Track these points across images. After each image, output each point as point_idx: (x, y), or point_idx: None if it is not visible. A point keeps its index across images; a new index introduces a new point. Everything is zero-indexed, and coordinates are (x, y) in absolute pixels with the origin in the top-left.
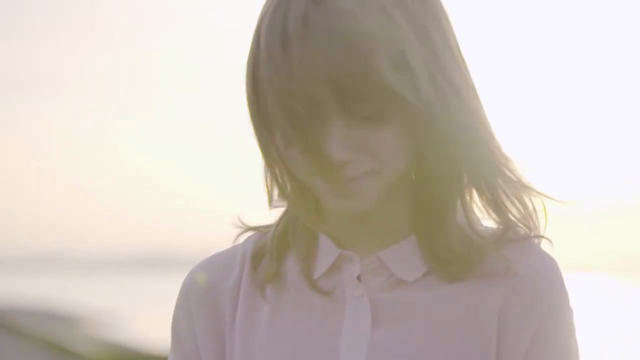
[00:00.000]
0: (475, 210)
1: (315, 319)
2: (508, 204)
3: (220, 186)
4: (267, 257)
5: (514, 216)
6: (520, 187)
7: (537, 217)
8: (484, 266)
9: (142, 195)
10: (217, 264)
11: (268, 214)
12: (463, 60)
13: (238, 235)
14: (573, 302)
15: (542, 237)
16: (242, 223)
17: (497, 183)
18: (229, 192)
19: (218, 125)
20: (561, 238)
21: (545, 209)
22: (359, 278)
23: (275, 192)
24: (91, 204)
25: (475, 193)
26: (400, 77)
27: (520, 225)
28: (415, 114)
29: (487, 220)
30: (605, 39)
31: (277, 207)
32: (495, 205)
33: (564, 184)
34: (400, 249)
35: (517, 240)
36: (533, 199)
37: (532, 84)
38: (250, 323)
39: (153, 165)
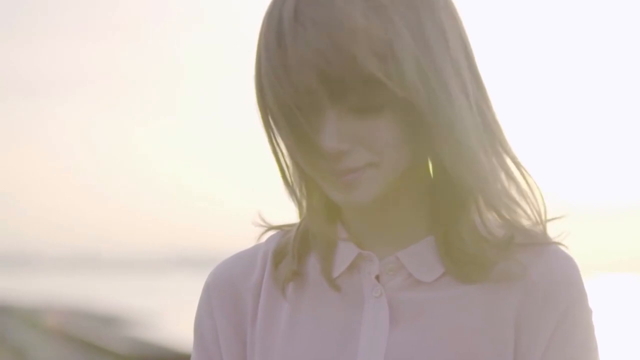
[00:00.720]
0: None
1: (334, 318)
2: (516, 206)
3: (244, 186)
4: (289, 256)
5: (526, 216)
6: (528, 187)
7: (545, 214)
8: (501, 268)
9: (169, 196)
10: (239, 262)
11: (292, 214)
12: (464, 58)
13: (261, 235)
14: (593, 302)
15: (559, 243)
16: (265, 222)
17: (498, 186)
18: (253, 192)
19: (243, 126)
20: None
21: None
22: (377, 278)
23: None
24: (122, 206)
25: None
26: (383, 66)
27: (532, 225)
28: (406, 105)
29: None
30: (610, 39)
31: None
32: (505, 208)
33: (568, 184)
34: (418, 250)
35: (535, 242)
36: (541, 197)
37: (534, 84)
38: (271, 321)
39: (178, 166)
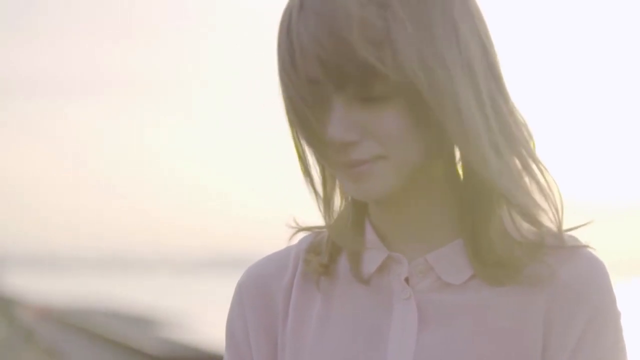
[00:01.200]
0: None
1: (364, 318)
2: (536, 205)
3: (269, 187)
4: (321, 254)
5: (546, 215)
6: (547, 185)
7: (562, 213)
8: (530, 270)
9: (194, 197)
10: (271, 264)
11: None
12: (480, 54)
13: (292, 236)
14: (622, 305)
15: (588, 245)
16: (296, 224)
17: (514, 183)
18: (279, 194)
19: (263, 126)
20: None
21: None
22: (406, 280)
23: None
24: (148, 207)
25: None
26: (378, 53)
27: (555, 226)
28: (412, 96)
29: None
30: (611, 41)
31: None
32: (525, 207)
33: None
34: (448, 252)
35: (564, 244)
36: (559, 195)
37: (537, 85)
38: (301, 322)
39: (199, 168)
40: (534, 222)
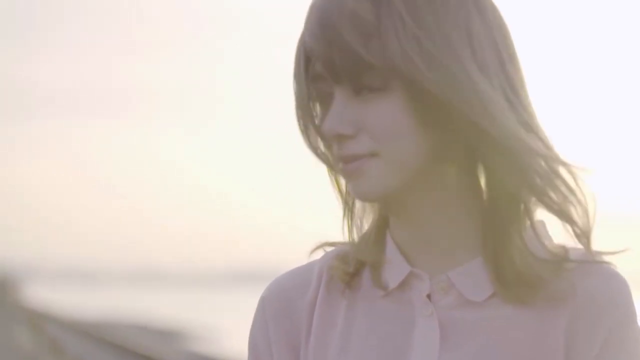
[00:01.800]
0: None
1: (385, 336)
2: (567, 203)
3: (295, 201)
4: (347, 265)
5: (576, 218)
6: (579, 192)
7: (594, 220)
8: (551, 287)
9: (218, 212)
10: (295, 278)
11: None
12: (493, 56)
13: (314, 249)
14: None
15: (609, 262)
16: (321, 238)
17: (541, 180)
18: (305, 206)
19: (286, 140)
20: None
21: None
22: (428, 296)
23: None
24: (176, 221)
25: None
26: (367, 44)
27: (582, 237)
28: (412, 92)
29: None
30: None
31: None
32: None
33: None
34: (469, 269)
35: (586, 260)
36: (592, 201)
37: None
38: (324, 336)
39: (224, 182)
40: (568, 219)
